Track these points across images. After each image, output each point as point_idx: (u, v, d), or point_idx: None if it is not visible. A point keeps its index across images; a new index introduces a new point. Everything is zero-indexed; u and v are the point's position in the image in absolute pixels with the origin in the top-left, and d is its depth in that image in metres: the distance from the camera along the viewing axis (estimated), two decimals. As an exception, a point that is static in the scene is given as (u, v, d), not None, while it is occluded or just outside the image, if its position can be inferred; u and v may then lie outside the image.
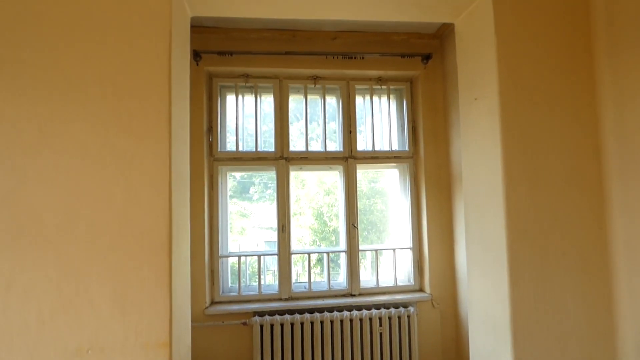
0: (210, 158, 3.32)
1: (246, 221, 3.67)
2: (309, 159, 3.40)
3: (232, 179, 3.64)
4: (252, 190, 3.66)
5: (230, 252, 3.40)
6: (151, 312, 1.83)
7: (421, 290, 3.45)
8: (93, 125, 1.84)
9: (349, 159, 3.43)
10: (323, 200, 3.76)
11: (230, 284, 3.41)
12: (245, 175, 3.68)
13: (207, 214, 3.22)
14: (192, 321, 3.10)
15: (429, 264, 3.36)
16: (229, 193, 3.51)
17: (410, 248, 3.49)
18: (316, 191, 3.79)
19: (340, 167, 3.45)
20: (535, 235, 2.06)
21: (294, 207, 3.67)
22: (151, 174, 1.85)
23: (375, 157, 3.50)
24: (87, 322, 1.79)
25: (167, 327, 1.83)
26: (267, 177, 3.71)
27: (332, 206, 3.78)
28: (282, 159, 3.35)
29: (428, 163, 3.46)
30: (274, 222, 3.32)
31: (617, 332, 2.06)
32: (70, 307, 1.79)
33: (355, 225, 3.38)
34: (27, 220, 1.77)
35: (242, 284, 3.37)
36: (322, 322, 3.12)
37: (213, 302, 3.24)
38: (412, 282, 3.47)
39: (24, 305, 1.77)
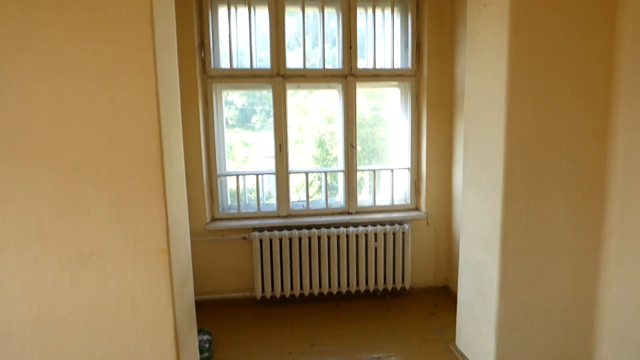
0: (204, 75, 3.20)
1: (249, 150, 3.64)
2: (306, 77, 3.27)
3: (233, 107, 3.56)
4: (254, 118, 3.58)
5: (228, 172, 3.42)
6: (147, 221, 1.87)
7: (417, 209, 3.51)
8: (71, 31, 1.73)
9: (348, 77, 3.30)
10: (325, 128, 3.69)
11: (230, 203, 3.48)
12: (247, 103, 3.58)
13: (203, 133, 3.18)
14: (193, 236, 3.22)
15: (426, 184, 3.39)
16: (230, 122, 3.44)
17: (408, 168, 3.49)
18: (318, 119, 3.70)
19: (340, 86, 3.33)
20: (534, 150, 2.02)
21: (295, 135, 3.63)
22: (137, 84, 1.79)
23: (377, 76, 3.36)
24: (86, 230, 1.84)
25: (164, 235, 1.89)
26: (268, 105, 3.60)
27: (333, 134, 3.71)
28: (279, 77, 3.23)
29: (431, 82, 3.32)
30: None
31: (603, 246, 2.12)
32: (68, 216, 1.83)
33: (354, 145, 3.35)
34: (13, 132, 1.74)
35: (242, 203, 3.44)
36: (319, 238, 3.23)
37: (214, 219, 3.34)
38: (409, 201, 3.52)
39: (24, 215, 1.81)
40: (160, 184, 1.86)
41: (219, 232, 3.25)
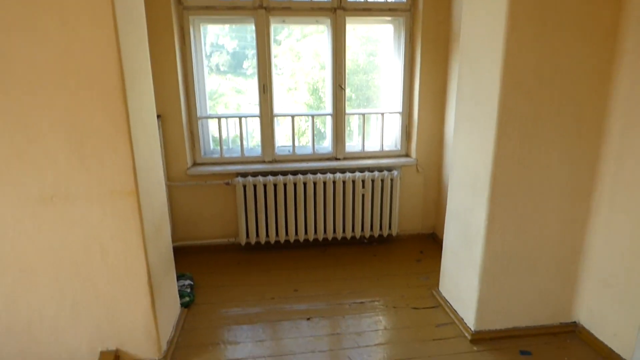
0: (179, 7, 2.91)
1: (242, 98, 3.42)
2: (292, 9, 3.00)
3: (225, 52, 3.29)
4: (245, 64, 3.32)
5: (209, 114, 3.24)
6: (112, 161, 1.73)
7: (407, 155, 3.39)
8: (7, -64, 1.48)
9: (337, 9, 3.03)
10: (319, 74, 3.45)
11: (212, 147, 3.33)
12: (238, 47, 3.31)
13: (180, 71, 2.96)
14: (173, 180, 3.10)
15: (417, 130, 3.24)
16: (222, 68, 3.20)
17: (399, 112, 3.32)
18: (312, 65, 3.45)
19: (328, 21, 3.07)
20: (531, 88, 1.86)
21: (289, 82, 3.41)
22: (89, 3, 1.57)
23: (368, 10, 3.09)
24: (45, 170, 1.70)
25: (131, 176, 1.76)
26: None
27: (326, 81, 3.49)
28: (262, 9, 2.95)
29: (426, 18, 3.06)
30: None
31: (595, 192, 2.03)
32: (25, 155, 1.68)
33: (342, 86, 3.15)
34: (-47, 56, 1.55)
35: (225, 148, 3.29)
36: (305, 184, 3.13)
37: (195, 164, 3.20)
38: (399, 147, 3.39)
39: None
40: (124, 120, 1.70)
41: (201, 177, 3.12)
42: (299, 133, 3.54)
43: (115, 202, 1.78)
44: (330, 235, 3.27)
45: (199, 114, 3.13)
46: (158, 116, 2.93)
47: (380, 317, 2.38)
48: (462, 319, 2.26)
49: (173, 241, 3.18)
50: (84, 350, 1.94)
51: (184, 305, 2.46)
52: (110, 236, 1.81)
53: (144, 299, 1.91)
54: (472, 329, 2.16)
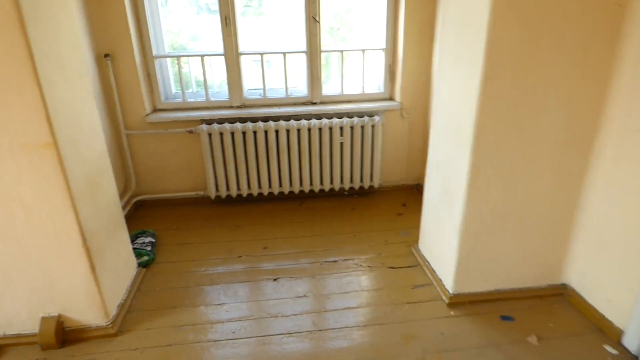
0: None
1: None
2: None
3: None
4: None
5: (168, 52, 2.87)
6: (22, 108, 1.44)
7: (391, 99, 3.06)
8: None
9: None
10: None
11: (175, 91, 3.00)
12: None
13: (128, 2, 2.55)
14: (132, 128, 2.81)
15: (402, 69, 2.88)
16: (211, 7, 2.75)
17: (382, 49, 2.95)
18: None
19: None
20: (529, 11, 1.52)
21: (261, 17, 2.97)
22: None
23: None
24: (-61, 118, 1.42)
25: (45, 125, 1.47)
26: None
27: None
28: None
29: None
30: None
31: (598, 140, 1.75)
32: None
33: (317, 19, 2.75)
34: None
35: (190, 92, 2.96)
36: (277, 132, 2.83)
37: (156, 110, 2.89)
38: (382, 89, 3.06)
39: None
40: (27, 57, 1.38)
41: (162, 125, 2.82)
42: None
43: (31, 156, 1.51)
44: (307, 188, 3.03)
45: (154, 52, 2.76)
46: (106, 55, 2.58)
47: (353, 278, 2.21)
48: (441, 280, 2.08)
49: (136, 195, 2.97)
50: (24, 316, 1.77)
51: (142, 265, 2.28)
52: (32, 194, 1.57)
53: (81, 262, 1.70)
54: (450, 291, 1.98)
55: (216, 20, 2.70)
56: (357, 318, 1.92)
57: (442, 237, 2.04)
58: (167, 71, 2.91)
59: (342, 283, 2.17)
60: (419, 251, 2.36)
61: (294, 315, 1.94)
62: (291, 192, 3.07)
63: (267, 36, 2.99)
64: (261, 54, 2.84)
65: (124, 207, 2.80)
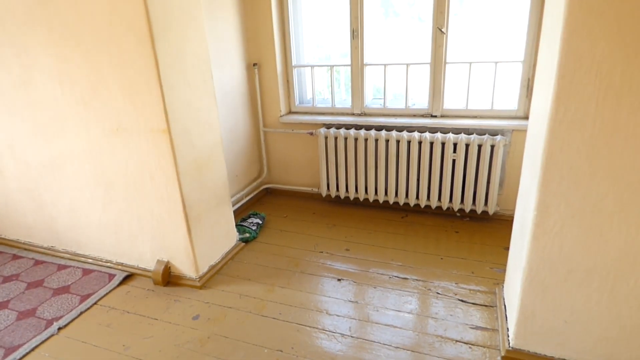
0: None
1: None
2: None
3: None
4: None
5: (305, 63, 3.24)
6: (150, 102, 1.98)
7: (525, 117, 2.66)
8: None
9: None
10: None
11: (309, 96, 3.36)
12: None
13: (276, 18, 3.02)
14: (269, 126, 3.31)
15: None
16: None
17: (521, 62, 2.59)
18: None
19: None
20: (620, 19, 1.17)
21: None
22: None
23: None
24: (111, 106, 2.08)
25: (162, 116, 1.98)
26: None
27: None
28: (356, -57, 2.68)
29: None
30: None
31: None
32: (100, 94, 2.09)
33: (443, 30, 2.64)
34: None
35: (319, 97, 3.28)
36: (387, 141, 2.85)
37: (290, 112, 3.31)
38: (516, 106, 2.68)
39: (72, 94, 2.16)
40: (153, 64, 1.89)
41: (290, 126, 3.23)
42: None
43: (155, 138, 2.05)
44: (412, 201, 2.95)
45: (294, 63, 3.17)
46: (254, 64, 3.12)
47: (414, 299, 2.09)
48: (508, 330, 1.77)
49: (266, 182, 3.48)
50: (149, 256, 2.40)
51: (243, 240, 2.71)
52: (155, 166, 2.12)
53: (181, 224, 2.19)
54: (510, 344, 1.68)
55: (344, 33, 2.91)
56: (394, 338, 1.84)
57: (514, 280, 1.73)
58: (304, 77, 3.29)
59: (400, 301, 2.08)
60: (502, 292, 2.04)
61: (337, 316, 2.00)
62: (395, 203, 3.03)
63: (391, 47, 3.03)
64: (384, 65, 2.91)
65: (253, 191, 3.35)
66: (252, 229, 2.80)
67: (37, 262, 2.67)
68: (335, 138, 3.00)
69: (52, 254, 2.72)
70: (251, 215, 2.97)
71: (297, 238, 2.77)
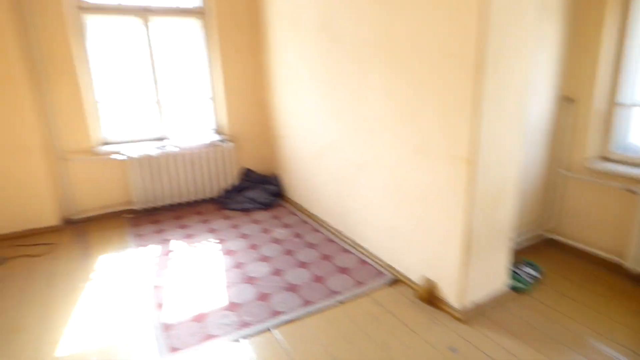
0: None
1: None
2: None
3: None
4: None
5: (636, 101, 2.62)
6: (460, 130, 2.07)
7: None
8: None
9: None
10: None
11: (630, 141, 2.72)
12: None
13: (608, 47, 2.57)
14: (571, 170, 2.90)
15: None
16: None
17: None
18: None
19: None
20: None
21: None
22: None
23: None
24: (423, 129, 2.30)
25: (468, 145, 2.03)
26: None
27: None
28: None
29: None
30: None
31: None
32: (415, 116, 2.34)
33: None
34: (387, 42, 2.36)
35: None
36: None
37: (602, 157, 2.79)
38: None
39: (394, 112, 2.50)
40: (474, 96, 1.95)
41: (600, 175, 2.71)
42: None
43: (455, 164, 2.13)
44: None
45: (619, 99, 2.63)
46: (567, 98, 2.79)
47: None
48: None
49: (551, 232, 3.10)
50: (417, 269, 2.55)
51: (513, 288, 2.49)
52: (448, 189, 2.21)
53: (458, 252, 2.21)
54: None
55: None
56: None
57: None
58: (628, 117, 2.69)
59: None
60: None
61: None
62: None
63: None
64: None
65: (533, 238, 3.04)
66: (526, 280, 2.54)
67: (329, 240, 3.27)
68: (670, 205, 2.34)
69: (338, 235, 3.28)
70: (525, 264, 2.70)
71: (582, 311, 2.32)
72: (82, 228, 3.57)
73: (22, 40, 3.17)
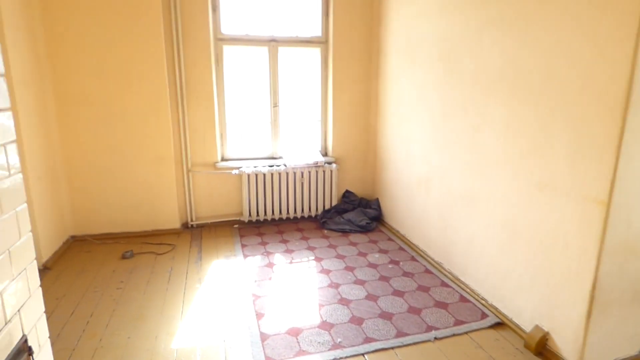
0: None
1: None
2: None
3: None
4: None
5: None
6: (597, 169, 1.86)
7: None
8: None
9: None
10: None
11: None
12: None
13: None
14: None
15: None
16: None
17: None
18: None
19: None
20: None
21: None
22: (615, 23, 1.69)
23: None
24: (546, 164, 2.13)
25: (607, 186, 1.81)
26: None
27: None
28: None
29: None
30: None
31: None
32: (539, 150, 2.17)
33: None
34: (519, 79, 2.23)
35: None
36: None
37: None
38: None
39: (513, 144, 2.35)
40: (617, 134, 1.75)
41: None
42: None
43: (586, 206, 1.91)
44: None
45: None
46: None
47: None
48: None
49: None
50: (527, 316, 2.32)
51: (650, 355, 2.12)
52: (576, 234, 1.99)
53: (583, 303, 1.96)
54: None
55: None
56: None
57: None
58: None
59: None
60: None
61: None
62: None
63: None
64: None
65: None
66: (666, 348, 2.14)
67: (427, 271, 3.15)
68: None
69: (438, 268, 3.14)
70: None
71: None
72: (198, 233, 3.97)
73: (170, 67, 3.71)
